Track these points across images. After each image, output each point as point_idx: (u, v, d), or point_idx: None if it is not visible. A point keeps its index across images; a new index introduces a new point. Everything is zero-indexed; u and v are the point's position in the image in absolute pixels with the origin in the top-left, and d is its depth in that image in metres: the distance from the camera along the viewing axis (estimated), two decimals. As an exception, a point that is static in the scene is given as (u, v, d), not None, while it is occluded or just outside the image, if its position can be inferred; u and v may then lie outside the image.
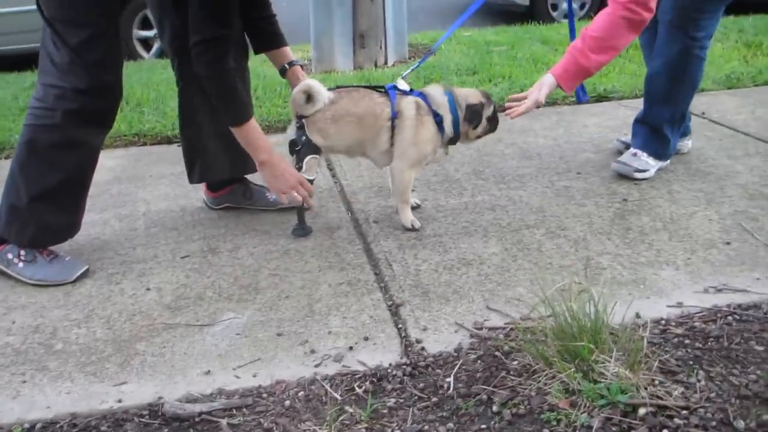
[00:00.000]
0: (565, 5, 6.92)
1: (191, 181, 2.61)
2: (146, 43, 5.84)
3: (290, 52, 2.52)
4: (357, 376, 1.71)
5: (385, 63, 4.71)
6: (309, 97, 2.31)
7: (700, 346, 1.74)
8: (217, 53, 2.12)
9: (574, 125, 3.50)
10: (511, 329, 1.82)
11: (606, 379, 1.53)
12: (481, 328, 1.87)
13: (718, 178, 2.80)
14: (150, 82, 4.37)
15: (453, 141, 2.46)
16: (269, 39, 2.48)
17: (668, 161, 2.89)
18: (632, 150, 2.85)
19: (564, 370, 1.56)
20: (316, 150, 2.35)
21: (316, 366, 1.76)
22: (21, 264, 2.21)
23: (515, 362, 1.69)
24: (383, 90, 2.41)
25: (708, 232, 2.35)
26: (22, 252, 2.22)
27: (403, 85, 2.41)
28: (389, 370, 1.72)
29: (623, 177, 2.80)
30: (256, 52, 2.52)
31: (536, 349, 1.62)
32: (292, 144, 2.35)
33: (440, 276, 2.14)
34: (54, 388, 1.72)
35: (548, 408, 1.52)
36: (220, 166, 2.54)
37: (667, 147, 2.84)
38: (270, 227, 2.52)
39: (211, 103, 2.26)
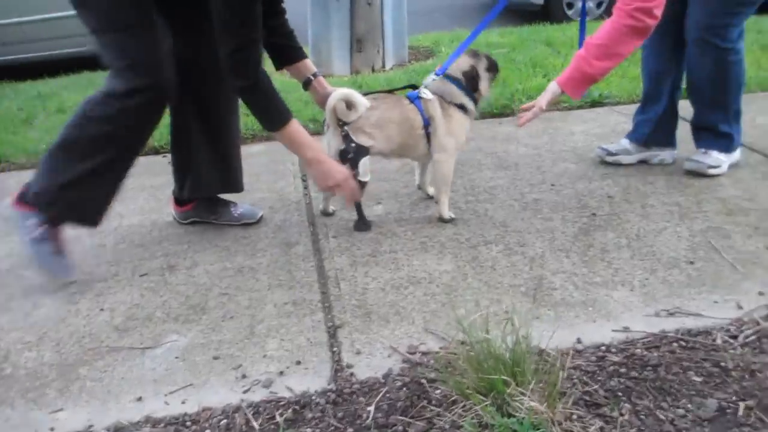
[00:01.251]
0: (579, 4, 6.77)
1: (182, 195, 2.63)
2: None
3: (311, 64, 2.53)
4: (281, 404, 1.69)
5: (383, 67, 4.68)
6: (348, 104, 2.38)
7: (636, 375, 1.68)
8: (257, 56, 2.13)
9: (561, 132, 3.42)
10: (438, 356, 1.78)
11: (521, 413, 1.49)
12: (414, 353, 1.83)
13: (698, 191, 2.69)
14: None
15: (476, 104, 2.59)
16: (291, 53, 2.49)
17: (738, 152, 2.91)
18: (701, 149, 2.88)
19: (479, 403, 1.52)
20: (367, 152, 2.43)
21: (245, 392, 1.75)
22: (33, 235, 2.25)
23: (438, 391, 1.65)
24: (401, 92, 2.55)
25: (673, 250, 2.26)
26: (41, 228, 2.26)
27: (426, 94, 2.51)
28: (314, 398, 1.70)
29: (596, 191, 2.73)
30: (279, 68, 2.52)
31: (453, 380, 1.58)
32: (344, 153, 2.40)
33: (386, 295, 2.11)
34: (-8, 413, 1.74)
35: (458, 442, 1.48)
36: (211, 184, 2.58)
37: (732, 141, 2.86)
38: (231, 243, 2.52)
39: (206, 122, 2.32)
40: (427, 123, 2.48)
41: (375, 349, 1.87)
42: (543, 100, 2.51)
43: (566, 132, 3.42)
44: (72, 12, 2.18)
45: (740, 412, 1.52)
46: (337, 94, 2.37)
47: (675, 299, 1.99)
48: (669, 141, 3.00)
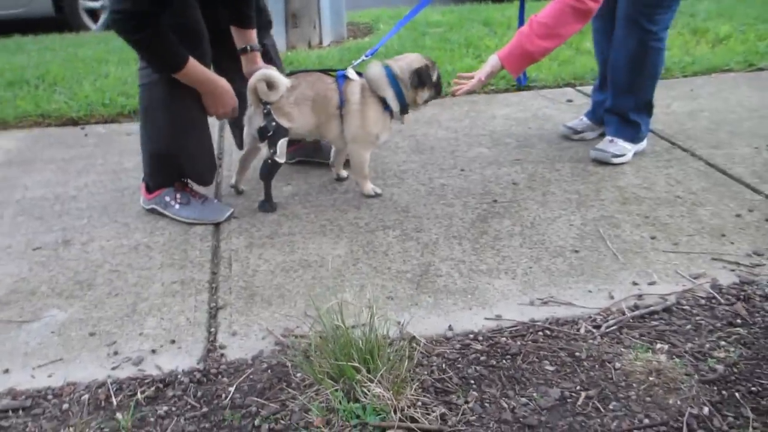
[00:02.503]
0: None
1: (238, 146, 2.75)
2: (94, 14, 5.78)
3: (254, 36, 2.54)
4: (146, 381, 1.71)
5: (320, 43, 4.65)
6: (269, 84, 2.38)
7: (494, 363, 1.73)
8: (143, 13, 2.10)
9: (482, 116, 3.45)
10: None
11: (367, 399, 1.53)
12: (287, 336, 1.86)
13: (600, 178, 2.75)
14: (73, 59, 4.32)
15: (404, 110, 2.56)
16: (242, 17, 2.50)
17: (644, 143, 2.98)
18: (608, 137, 2.95)
19: (329, 388, 1.56)
20: (286, 133, 2.46)
21: (113, 368, 1.77)
22: (177, 206, 2.47)
23: (299, 375, 1.69)
24: (334, 73, 2.54)
25: (562, 239, 2.31)
26: (178, 195, 2.48)
27: (352, 74, 2.51)
28: (179, 377, 1.72)
29: (503, 177, 2.77)
30: (224, 25, 2.51)
31: (307, 365, 1.61)
32: (263, 130, 2.42)
33: (275, 278, 2.13)
34: None
35: (304, 425, 1.52)
36: None
37: (639, 131, 2.92)
38: (132, 220, 2.51)
39: None
40: (342, 104, 2.47)
41: (251, 331, 1.89)
42: (483, 72, 2.56)
43: (488, 116, 3.45)
44: None
45: (579, 401, 1.58)
46: (259, 74, 2.38)
47: (552, 288, 2.05)
48: (599, 119, 3.11)
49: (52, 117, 3.48)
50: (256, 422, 1.55)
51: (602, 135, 3.14)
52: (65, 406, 1.64)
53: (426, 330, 1.87)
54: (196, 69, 2.28)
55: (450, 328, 1.88)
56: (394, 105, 2.52)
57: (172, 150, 2.42)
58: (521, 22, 2.85)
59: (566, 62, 4.20)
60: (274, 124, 2.41)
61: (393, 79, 2.50)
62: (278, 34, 4.53)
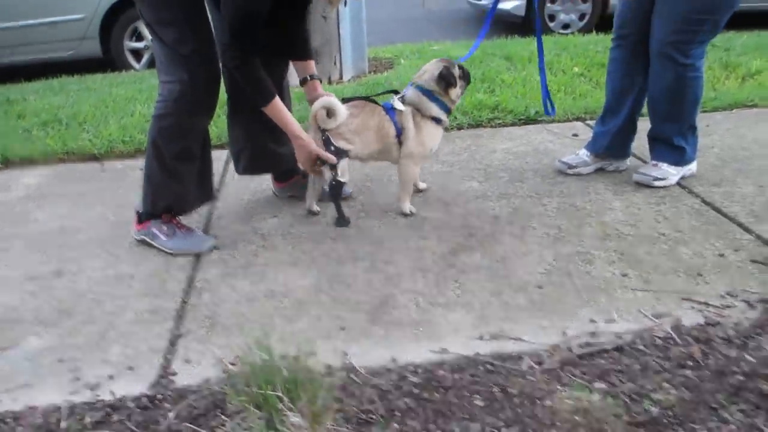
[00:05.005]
0: (563, 16, 6.75)
1: (238, 172, 2.95)
2: (137, 54, 6.15)
3: (313, 66, 2.77)
4: (97, 406, 1.81)
5: (340, 78, 4.78)
6: (329, 112, 2.57)
7: (426, 396, 1.74)
8: (251, 44, 2.36)
9: (482, 150, 3.47)
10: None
11: (285, 428, 1.57)
12: (236, 364, 1.93)
13: (586, 214, 2.72)
14: (106, 98, 4.59)
15: (449, 114, 2.80)
16: (301, 51, 2.73)
17: (694, 164, 3.01)
18: (652, 161, 3.01)
19: (253, 416, 1.61)
20: (346, 154, 2.64)
21: (71, 394, 1.87)
22: (164, 237, 2.60)
23: (234, 402, 1.75)
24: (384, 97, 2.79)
25: (529, 274, 2.30)
26: (165, 227, 2.61)
27: (399, 105, 2.71)
28: (128, 402, 1.81)
29: (486, 211, 2.78)
30: (285, 59, 2.77)
31: (234, 393, 1.67)
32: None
33: (239, 307, 2.21)
34: None
35: (224, 452, 1.58)
36: (265, 161, 2.89)
37: (684, 154, 2.95)
38: (123, 251, 2.65)
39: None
40: (400, 132, 2.69)
41: (204, 359, 1.97)
42: None
43: (488, 150, 3.46)
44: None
45: (496, 438, 1.58)
46: (321, 101, 2.57)
47: (506, 323, 2.04)
48: (624, 153, 3.15)
49: (76, 154, 3.70)
50: (183, 447, 1.62)
51: (599, 170, 3.12)
52: (20, 429, 1.75)
53: (369, 361, 1.90)
54: (281, 109, 2.50)
55: (393, 359, 1.90)
56: (444, 116, 2.74)
57: (167, 180, 2.57)
58: (541, 59, 3.04)
59: (581, 96, 4.17)
60: (333, 148, 2.59)
61: (430, 94, 2.70)
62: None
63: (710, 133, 3.53)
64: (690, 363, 1.83)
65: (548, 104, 3.08)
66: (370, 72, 4.95)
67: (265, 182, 3.11)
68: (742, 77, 4.51)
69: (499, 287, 2.23)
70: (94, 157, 3.68)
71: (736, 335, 1.94)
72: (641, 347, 1.92)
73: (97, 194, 3.22)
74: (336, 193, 2.69)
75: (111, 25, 5.99)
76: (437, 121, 2.73)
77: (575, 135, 3.61)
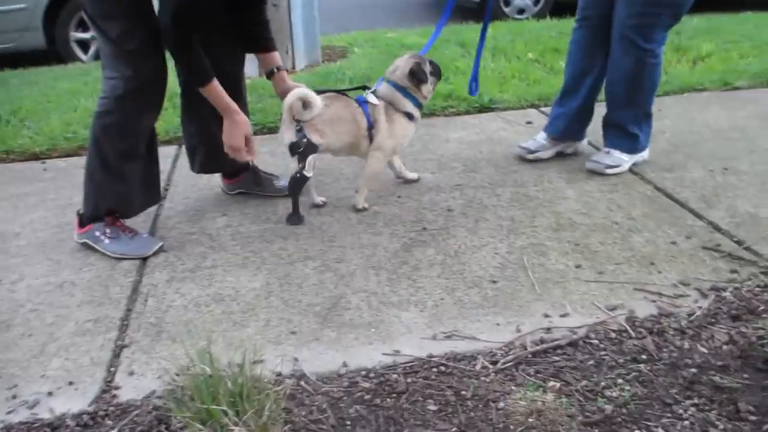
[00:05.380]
0: (518, 1, 6.72)
1: (193, 170, 2.86)
2: (85, 45, 5.92)
3: (278, 57, 2.68)
4: (35, 425, 1.72)
5: (293, 67, 4.67)
6: (305, 103, 2.50)
7: (378, 403, 1.70)
8: (185, 40, 2.30)
9: (436, 140, 3.42)
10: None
11: (231, 442, 1.51)
12: (181, 374, 1.85)
13: (539, 204, 2.70)
14: (49, 92, 4.41)
15: (420, 109, 2.79)
16: (261, 42, 2.64)
17: (646, 152, 3.02)
18: (605, 148, 3.00)
19: (196, 431, 1.54)
20: (316, 149, 2.57)
21: (8, 413, 1.77)
22: (107, 240, 2.49)
23: (179, 417, 1.68)
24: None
25: (483, 268, 2.27)
26: (108, 230, 2.50)
27: (373, 99, 2.68)
28: (67, 420, 1.73)
29: (439, 203, 2.75)
30: (247, 52, 2.69)
31: (177, 408, 1.60)
32: (294, 146, 2.54)
33: (186, 313, 2.13)
34: None
35: (166, 472, 1.51)
36: (221, 159, 2.71)
37: (638, 142, 2.96)
38: (65, 257, 2.53)
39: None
40: (371, 125, 2.65)
41: (149, 370, 1.89)
42: None
43: (441, 139, 3.42)
44: None
45: (449, 444, 1.54)
46: (296, 92, 2.49)
47: (459, 321, 2.01)
48: (579, 135, 3.15)
49: (16, 152, 3.54)
50: (123, 467, 1.55)
51: (558, 154, 3.11)
52: (-47, 451, 1.66)
53: (320, 366, 1.85)
54: (219, 91, 2.40)
55: (344, 364, 1.85)
56: (416, 112, 2.74)
57: (110, 180, 2.46)
58: (481, 44, 3.01)
59: (536, 82, 4.15)
60: (305, 140, 2.52)
61: (403, 90, 2.70)
62: (251, 60, 4.56)
63: (662, 118, 3.55)
64: (644, 356, 1.82)
65: (473, 84, 3.05)
66: (323, 61, 4.86)
67: (214, 179, 3.02)
68: (693, 60, 4.56)
69: (453, 283, 2.20)
70: (36, 156, 3.53)
71: (689, 326, 1.94)
72: (595, 341, 1.90)
73: (38, 195, 3.08)
74: (298, 187, 2.62)
75: (56, 14, 5.74)
76: (409, 116, 2.72)
77: (529, 122, 3.60)
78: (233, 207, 2.84)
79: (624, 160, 2.94)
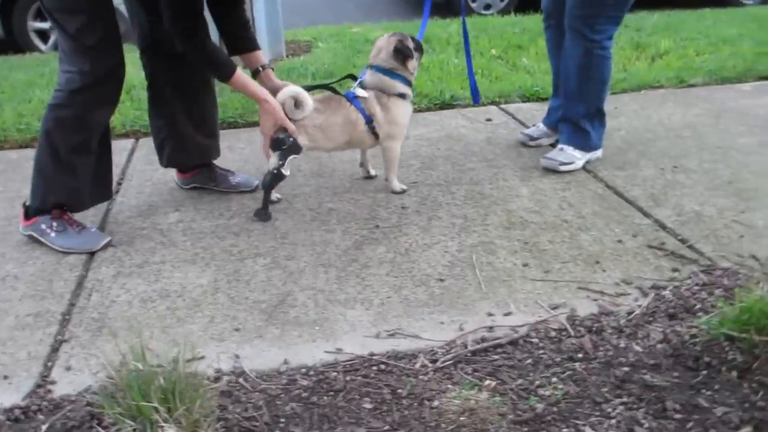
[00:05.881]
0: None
1: (162, 164, 2.84)
2: (44, 35, 5.81)
3: (263, 56, 2.68)
4: (-34, 421, 1.70)
5: (257, 62, 4.63)
6: (297, 102, 2.50)
7: (314, 401, 1.70)
8: (198, 24, 2.34)
9: (396, 137, 3.42)
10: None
11: (162, 440, 1.50)
12: (120, 370, 1.84)
13: (492, 202, 2.72)
14: (3, 83, 4.31)
15: (410, 86, 2.78)
16: (243, 43, 2.63)
17: (599, 151, 3.06)
18: (559, 145, 3.04)
19: (126, 428, 1.53)
20: (299, 151, 2.57)
21: (-61, 407, 1.75)
22: (53, 234, 2.45)
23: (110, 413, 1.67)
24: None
25: (432, 267, 2.28)
26: (54, 223, 2.46)
27: (361, 92, 2.67)
28: (-2, 416, 1.71)
29: (393, 200, 2.75)
30: (231, 54, 2.60)
31: (108, 404, 1.59)
32: (279, 142, 2.53)
33: (130, 309, 2.11)
34: None
35: (95, 469, 1.50)
36: (190, 152, 2.79)
37: (590, 139, 3.00)
38: (9, 249, 2.49)
39: (181, 95, 2.62)
40: (369, 119, 2.65)
41: (87, 365, 1.87)
42: None
43: (401, 137, 3.42)
44: None
45: (381, 442, 1.55)
46: (288, 91, 2.49)
47: (404, 319, 2.02)
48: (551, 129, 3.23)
49: (-31, 141, 3.48)
50: (52, 464, 1.53)
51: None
52: None
53: (261, 364, 1.84)
54: (244, 79, 2.44)
55: (285, 362, 1.85)
56: (408, 91, 2.73)
57: (61, 173, 2.42)
58: (466, 40, 3.12)
59: (498, 79, 4.18)
60: (291, 140, 2.52)
61: (390, 72, 2.67)
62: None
63: (618, 116, 3.60)
64: (580, 355, 1.84)
65: (474, 93, 3.12)
66: (287, 56, 4.83)
67: (168, 174, 2.99)
68: (651, 58, 4.62)
69: (401, 282, 2.20)
70: (-11, 145, 3.47)
71: (626, 324, 1.97)
72: (535, 340, 1.92)
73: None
74: (273, 184, 2.61)
75: (13, 3, 5.61)
76: (403, 96, 2.70)
77: (488, 120, 3.62)
78: (187, 202, 2.81)
79: (577, 157, 2.98)
